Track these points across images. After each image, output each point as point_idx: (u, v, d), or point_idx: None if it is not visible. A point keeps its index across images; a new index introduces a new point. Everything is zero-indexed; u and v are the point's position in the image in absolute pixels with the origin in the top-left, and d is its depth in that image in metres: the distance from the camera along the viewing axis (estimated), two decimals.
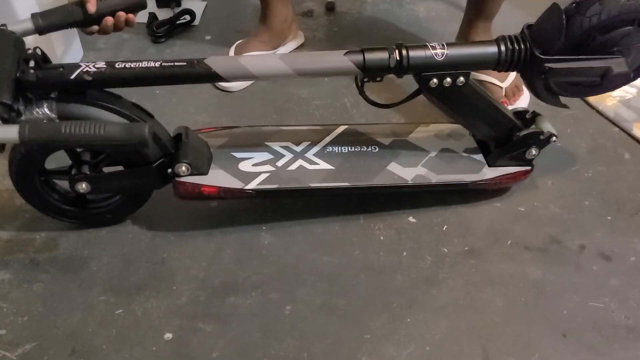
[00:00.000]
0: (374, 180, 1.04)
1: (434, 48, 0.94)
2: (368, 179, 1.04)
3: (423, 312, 0.92)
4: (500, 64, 0.95)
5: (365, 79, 0.96)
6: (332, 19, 1.67)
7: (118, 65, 0.88)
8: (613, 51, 0.93)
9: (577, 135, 1.25)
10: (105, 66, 0.87)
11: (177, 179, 0.97)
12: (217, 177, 1.00)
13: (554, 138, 1.04)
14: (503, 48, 0.94)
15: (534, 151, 1.05)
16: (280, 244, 1.03)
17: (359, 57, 0.92)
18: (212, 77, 0.91)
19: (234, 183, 1.00)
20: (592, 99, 1.31)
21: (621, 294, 0.95)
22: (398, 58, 0.93)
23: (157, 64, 0.88)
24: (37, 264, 0.98)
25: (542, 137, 1.03)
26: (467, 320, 0.91)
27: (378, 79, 0.96)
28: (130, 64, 0.88)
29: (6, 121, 0.78)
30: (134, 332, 0.89)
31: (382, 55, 0.93)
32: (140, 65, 0.88)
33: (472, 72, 1.34)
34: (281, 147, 1.09)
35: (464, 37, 1.38)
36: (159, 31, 1.56)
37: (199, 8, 1.69)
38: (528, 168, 1.07)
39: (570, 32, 0.91)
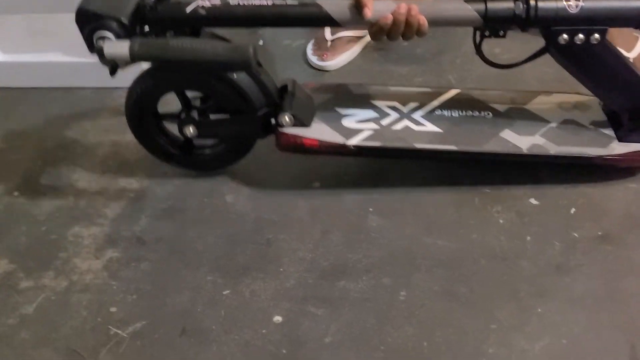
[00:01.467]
0: (485, 147, 0.96)
1: None
2: (478, 145, 0.97)
3: (556, 302, 0.83)
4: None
5: (486, 33, 0.89)
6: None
7: (232, 2, 0.89)
8: None
9: None
10: (220, 3, 0.88)
11: (279, 129, 0.97)
12: (319, 131, 0.98)
13: None
14: None
15: None
16: (390, 226, 0.97)
17: (481, 6, 0.86)
18: (325, 20, 0.88)
19: (336, 137, 0.98)
20: None
21: None
22: (525, 7, 0.85)
23: (269, 3, 0.88)
24: (144, 243, 0.97)
25: None
26: (609, 312, 0.81)
27: (501, 33, 0.89)
28: (243, 1, 0.88)
29: (120, 39, 0.83)
30: (242, 314, 0.85)
31: (507, 4, 0.86)
32: (253, 3, 0.88)
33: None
34: (387, 106, 1.05)
35: None
36: None
37: None
38: None
39: None
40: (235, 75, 0.93)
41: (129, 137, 1.04)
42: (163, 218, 1.01)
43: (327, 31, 1.39)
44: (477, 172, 1.03)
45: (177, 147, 1.04)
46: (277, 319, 0.84)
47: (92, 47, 0.86)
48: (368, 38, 1.41)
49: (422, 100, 1.06)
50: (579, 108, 1.04)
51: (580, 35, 0.86)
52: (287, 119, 0.95)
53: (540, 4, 0.85)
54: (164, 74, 0.95)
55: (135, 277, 0.91)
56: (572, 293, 0.84)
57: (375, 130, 1.00)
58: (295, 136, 0.97)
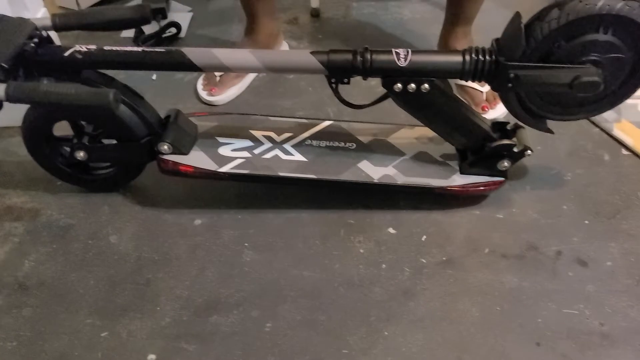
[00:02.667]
0: (341, 176, 1.08)
1: (398, 54, 0.96)
2: (335, 174, 1.08)
3: (400, 324, 0.94)
4: (464, 74, 0.96)
5: (333, 80, 1.00)
6: (318, 25, 1.69)
7: (107, 48, 0.99)
8: (584, 61, 0.93)
9: (557, 137, 1.25)
10: (95, 48, 0.98)
11: (159, 156, 1.07)
12: (195, 158, 1.09)
13: (529, 152, 1.05)
14: (468, 58, 0.95)
15: (506, 163, 1.06)
16: (262, 260, 1.05)
17: (324, 57, 0.97)
18: (186, 66, 0.99)
19: (210, 165, 1.08)
20: None
21: (596, 300, 0.96)
22: (362, 60, 0.96)
23: (140, 50, 0.99)
24: (27, 289, 1.01)
25: (515, 149, 1.04)
26: (443, 331, 0.93)
27: (345, 80, 1.00)
28: (116, 48, 0.99)
29: (1, 82, 0.89)
30: (118, 355, 0.92)
31: (347, 56, 0.96)
32: (125, 50, 0.99)
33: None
34: (263, 136, 1.16)
35: (444, 42, 1.39)
36: (145, 45, 1.58)
37: (185, 20, 1.71)
38: (500, 179, 1.08)
39: (532, 39, 0.91)
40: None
41: (18, 179, 1.08)
42: (47, 262, 1.06)
43: None
44: (345, 205, 1.14)
45: (73, 168, 1.14)
46: (152, 357, 0.91)
47: None
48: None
49: (296, 131, 1.18)
50: (434, 141, 1.16)
51: (412, 85, 0.97)
52: (165, 147, 1.07)
53: (375, 57, 0.96)
54: None
55: (16, 324, 0.96)
56: (414, 315, 0.96)
57: (246, 158, 1.11)
58: (173, 162, 1.08)
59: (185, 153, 1.10)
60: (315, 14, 1.72)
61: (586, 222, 1.09)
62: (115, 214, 1.14)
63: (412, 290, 0.99)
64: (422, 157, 1.12)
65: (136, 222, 1.13)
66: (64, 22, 0.99)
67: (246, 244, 1.08)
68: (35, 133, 1.09)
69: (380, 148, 1.15)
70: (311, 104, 1.40)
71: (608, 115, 1.27)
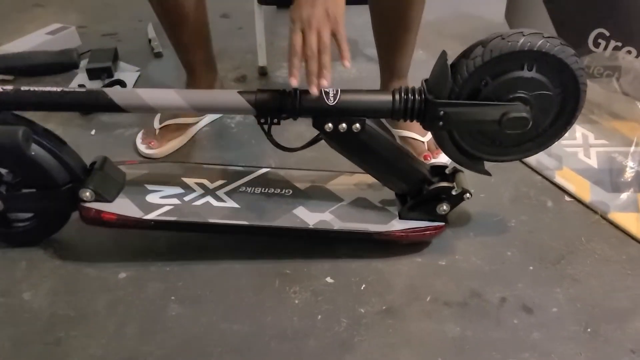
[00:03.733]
0: (275, 222, 1.03)
1: (327, 93, 0.94)
2: (268, 220, 1.03)
3: None
4: (394, 113, 0.94)
5: (262, 120, 0.97)
6: (264, 83, 1.69)
7: (23, 88, 0.93)
8: (511, 98, 0.93)
9: (500, 184, 1.24)
10: (11, 88, 0.93)
11: (82, 203, 1.01)
12: (120, 205, 1.03)
13: (468, 195, 1.02)
14: (397, 97, 0.93)
15: (445, 207, 1.03)
16: (189, 314, 0.97)
17: (252, 97, 0.94)
18: (109, 106, 0.95)
19: (135, 212, 1.02)
20: None
21: (542, 348, 0.90)
22: (290, 99, 0.93)
23: (59, 90, 0.94)
24: None
25: (454, 192, 1.01)
26: None
27: (275, 120, 0.96)
28: (34, 88, 0.94)
29: None
30: None
31: (275, 95, 0.94)
32: (43, 90, 0.94)
33: (394, 129, 1.36)
34: (195, 183, 1.11)
35: (385, 85, 1.39)
36: None
37: (131, 79, 1.69)
38: (440, 224, 1.04)
39: (459, 76, 0.90)
40: (33, 153, 0.96)
41: None
42: None
43: (156, 119, 1.43)
44: (281, 254, 1.08)
45: None
46: None
47: None
48: (200, 125, 1.47)
49: (231, 178, 1.13)
50: (373, 188, 1.13)
51: (343, 125, 0.94)
52: (87, 194, 1.01)
53: (303, 96, 0.93)
54: None
55: None
56: None
57: (175, 205, 1.05)
58: (95, 210, 1.01)
59: (110, 200, 1.04)
60: (262, 72, 1.72)
61: (531, 268, 1.05)
62: (32, 269, 1.06)
63: (349, 342, 0.92)
64: (360, 203, 1.08)
65: (55, 277, 1.04)
66: None
67: (172, 297, 1.00)
68: None
69: (318, 194, 1.11)
70: (254, 156, 1.37)
71: (549, 163, 1.27)
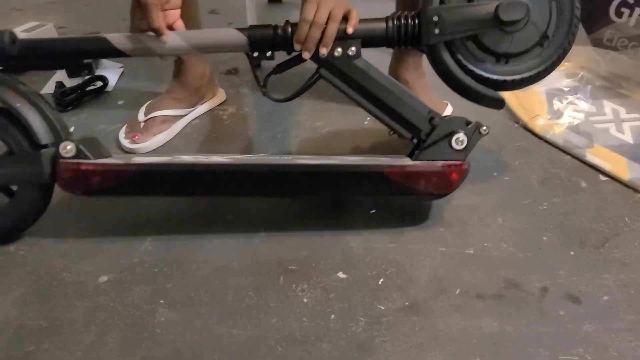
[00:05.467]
0: (276, 162, 0.93)
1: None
2: (269, 162, 0.93)
3: None
4: (389, 38, 0.93)
5: (256, 54, 0.94)
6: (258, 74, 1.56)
7: (25, 37, 0.93)
8: None
9: (526, 167, 1.11)
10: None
11: (59, 160, 0.89)
12: (103, 161, 0.91)
13: (484, 128, 0.91)
14: (390, 23, 0.92)
15: (461, 137, 0.90)
16: (180, 319, 0.83)
17: (244, 32, 0.93)
18: (113, 52, 0.93)
19: (118, 162, 0.91)
20: (538, 128, 1.19)
21: (597, 342, 0.77)
22: (283, 32, 0.92)
23: (61, 38, 0.95)
24: None
25: (468, 124, 0.91)
26: None
27: (269, 53, 0.95)
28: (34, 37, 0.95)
29: None
30: None
31: (267, 29, 0.93)
32: (44, 39, 0.94)
33: None
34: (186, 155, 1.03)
35: (394, 72, 1.28)
36: (65, 99, 1.42)
37: (114, 75, 1.57)
38: (459, 162, 0.91)
39: None
40: (18, 104, 0.89)
41: None
42: None
43: (141, 112, 1.30)
44: (285, 249, 0.94)
45: None
46: None
47: None
48: (188, 118, 1.34)
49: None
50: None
51: (338, 49, 0.91)
52: (68, 147, 0.89)
53: (295, 28, 0.91)
54: None
55: None
56: None
57: (163, 159, 0.97)
58: (74, 164, 0.90)
59: (90, 158, 0.91)
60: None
61: (571, 253, 0.91)
62: None
63: (368, 343, 0.78)
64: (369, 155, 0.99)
65: (25, 284, 0.90)
66: None
67: (161, 301, 0.86)
68: None
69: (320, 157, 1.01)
70: (249, 149, 1.24)
71: (578, 141, 1.14)
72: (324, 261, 0.92)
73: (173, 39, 0.92)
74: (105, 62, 1.65)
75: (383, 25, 0.92)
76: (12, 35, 0.92)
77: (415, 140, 0.95)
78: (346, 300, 0.85)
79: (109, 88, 1.52)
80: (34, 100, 0.90)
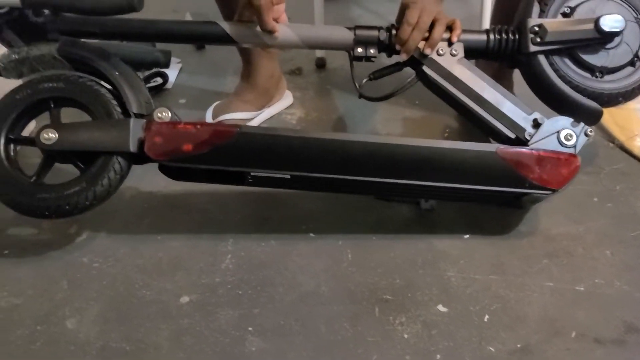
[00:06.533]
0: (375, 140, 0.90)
1: None
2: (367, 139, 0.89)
3: None
4: (489, 50, 0.95)
5: (358, 53, 0.94)
6: (324, 76, 1.50)
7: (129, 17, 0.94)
8: None
9: (628, 192, 1.03)
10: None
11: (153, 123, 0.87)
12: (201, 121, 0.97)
13: (590, 130, 0.89)
14: (492, 35, 0.95)
15: (570, 132, 0.88)
16: (273, 350, 0.78)
17: (353, 30, 0.95)
18: (222, 39, 0.95)
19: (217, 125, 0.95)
20: (637, 149, 1.11)
21: None
22: (386, 34, 0.94)
23: (170, 20, 0.98)
24: None
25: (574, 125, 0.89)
26: None
27: (372, 50, 0.95)
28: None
29: None
30: None
31: (373, 31, 0.95)
32: (149, 20, 0.95)
33: None
34: None
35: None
36: None
37: (173, 71, 1.51)
38: (572, 154, 0.87)
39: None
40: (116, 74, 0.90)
41: None
42: None
43: (208, 115, 1.26)
44: (376, 276, 0.88)
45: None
46: None
47: None
48: (255, 122, 1.28)
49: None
50: None
51: (443, 48, 0.93)
52: (164, 113, 0.89)
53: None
54: None
55: None
56: None
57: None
58: (171, 123, 0.88)
59: None
60: (320, 64, 1.53)
61: None
62: (75, 289, 0.87)
63: None
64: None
65: (103, 300, 0.85)
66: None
67: (250, 328, 0.81)
68: None
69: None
70: None
71: None
72: (421, 291, 0.86)
73: (284, 32, 0.93)
74: None
75: (484, 37, 0.95)
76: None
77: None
78: (451, 339, 0.79)
79: (169, 85, 1.47)
80: (131, 74, 0.92)
